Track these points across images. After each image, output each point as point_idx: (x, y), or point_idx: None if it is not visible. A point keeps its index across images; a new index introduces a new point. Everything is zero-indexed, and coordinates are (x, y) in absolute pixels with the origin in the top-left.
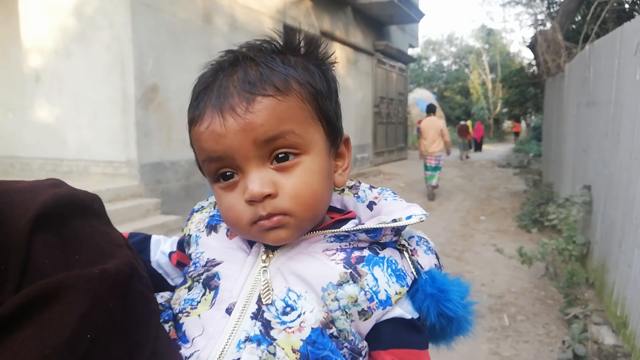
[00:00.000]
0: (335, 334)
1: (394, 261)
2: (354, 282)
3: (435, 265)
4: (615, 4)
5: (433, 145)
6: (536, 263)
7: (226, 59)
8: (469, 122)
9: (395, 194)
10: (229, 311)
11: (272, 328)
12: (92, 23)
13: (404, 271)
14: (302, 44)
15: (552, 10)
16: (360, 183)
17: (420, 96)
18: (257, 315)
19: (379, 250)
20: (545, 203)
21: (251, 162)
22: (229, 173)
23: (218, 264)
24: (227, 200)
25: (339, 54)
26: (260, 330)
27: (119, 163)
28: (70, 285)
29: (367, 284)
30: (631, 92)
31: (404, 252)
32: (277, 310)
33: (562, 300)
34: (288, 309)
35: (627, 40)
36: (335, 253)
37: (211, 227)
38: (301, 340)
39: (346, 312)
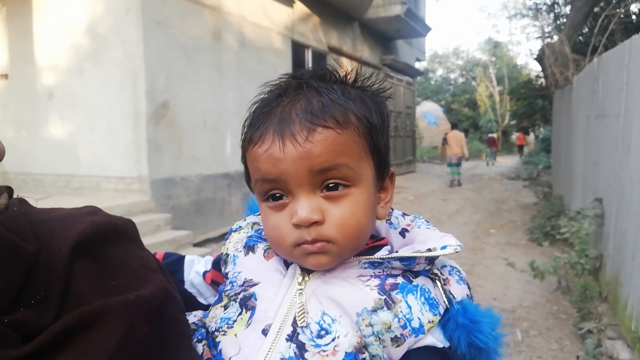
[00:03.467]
0: (367, 359)
1: (427, 290)
2: (388, 308)
3: (467, 295)
4: (622, 16)
5: (456, 150)
6: (548, 277)
7: (290, 85)
8: (496, 135)
9: (428, 222)
10: (264, 332)
11: (306, 350)
12: (105, 41)
13: (437, 300)
14: (360, 76)
15: (559, 22)
16: (393, 209)
17: (428, 109)
18: (292, 337)
19: (412, 278)
20: (556, 216)
21: (303, 188)
22: (279, 194)
23: (255, 284)
24: (274, 220)
25: (346, 68)
26: (295, 353)
27: (130, 179)
28: (108, 312)
29: (401, 311)
30: None
31: (437, 281)
32: (311, 333)
33: (576, 315)
34: (323, 332)
35: (635, 52)
36: (369, 279)
37: (249, 248)
38: None
39: (379, 338)
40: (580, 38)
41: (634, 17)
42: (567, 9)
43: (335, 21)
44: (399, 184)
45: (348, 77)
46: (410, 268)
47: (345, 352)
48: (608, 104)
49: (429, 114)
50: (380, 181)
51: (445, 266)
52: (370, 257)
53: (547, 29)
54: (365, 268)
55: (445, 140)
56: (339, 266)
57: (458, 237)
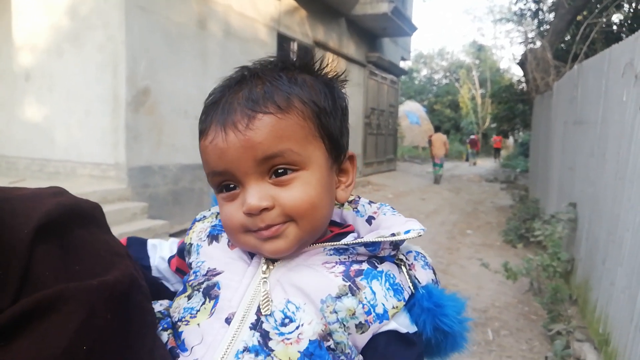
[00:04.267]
0: (332, 346)
1: (392, 275)
2: (353, 295)
3: (432, 280)
4: (603, 26)
5: (440, 151)
6: (521, 278)
7: (235, 76)
8: (478, 136)
9: (394, 209)
10: (228, 321)
11: (270, 339)
12: (86, 23)
13: (402, 285)
14: (312, 62)
15: (542, 29)
16: (359, 198)
17: (411, 109)
18: (256, 325)
19: (378, 264)
20: (531, 219)
21: (250, 177)
22: (232, 185)
23: (218, 273)
24: (227, 210)
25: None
26: (259, 341)
27: (106, 165)
28: (68, 297)
29: (365, 297)
30: (617, 113)
31: (402, 267)
32: (275, 321)
33: (546, 316)
34: (287, 320)
35: (615, 61)
36: (334, 266)
37: (213, 237)
38: (299, 352)
39: (344, 325)
40: (562, 45)
41: (615, 27)
42: (551, 16)
43: (322, 16)
44: (379, 182)
45: (298, 63)
46: (376, 254)
47: (309, 340)
48: (586, 111)
49: (412, 114)
50: (337, 164)
51: (410, 252)
52: (335, 243)
53: (530, 35)
54: (331, 255)
55: (430, 142)
56: (303, 253)
57: (435, 236)
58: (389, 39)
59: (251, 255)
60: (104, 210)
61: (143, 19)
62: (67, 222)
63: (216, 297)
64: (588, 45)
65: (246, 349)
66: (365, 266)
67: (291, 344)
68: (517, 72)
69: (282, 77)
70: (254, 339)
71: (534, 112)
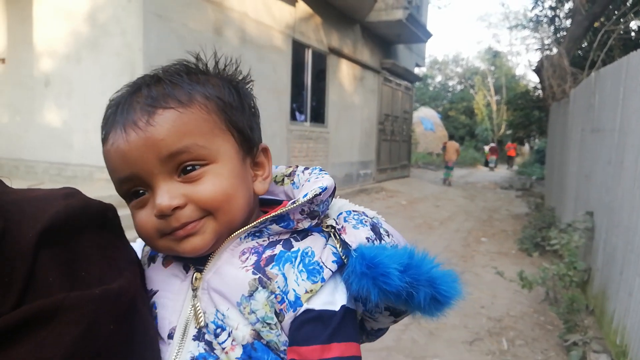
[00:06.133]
0: (267, 345)
1: (309, 253)
2: (264, 287)
3: (368, 238)
4: (621, 32)
5: (453, 156)
6: (536, 287)
7: (136, 81)
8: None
9: (321, 170)
10: (171, 336)
11: (214, 348)
12: (104, 30)
13: (320, 264)
14: (214, 63)
15: (558, 35)
16: (297, 167)
17: (425, 115)
18: (199, 337)
19: (297, 241)
20: (547, 227)
21: (157, 177)
22: (141, 191)
23: (154, 293)
24: (139, 217)
25: (346, 70)
26: (205, 349)
27: None
28: (69, 306)
29: (278, 287)
30: (635, 121)
31: (333, 235)
32: (211, 332)
33: (562, 326)
34: (219, 330)
35: (633, 69)
36: (248, 257)
37: (150, 258)
38: (236, 358)
39: (267, 323)
40: (579, 52)
41: (633, 33)
42: (568, 23)
43: (337, 22)
44: (392, 188)
45: (200, 65)
46: (293, 228)
47: (242, 345)
48: (603, 119)
49: (426, 120)
50: (251, 157)
51: (341, 214)
52: (245, 228)
53: (546, 42)
54: (249, 241)
55: (444, 148)
56: (224, 253)
57: (449, 243)
58: (403, 45)
59: (186, 270)
60: (119, 215)
61: (160, 26)
62: (76, 225)
63: (155, 318)
64: (606, 52)
65: (194, 358)
66: (278, 249)
67: (227, 352)
68: (533, 79)
69: (182, 77)
70: (199, 348)
71: (550, 119)
